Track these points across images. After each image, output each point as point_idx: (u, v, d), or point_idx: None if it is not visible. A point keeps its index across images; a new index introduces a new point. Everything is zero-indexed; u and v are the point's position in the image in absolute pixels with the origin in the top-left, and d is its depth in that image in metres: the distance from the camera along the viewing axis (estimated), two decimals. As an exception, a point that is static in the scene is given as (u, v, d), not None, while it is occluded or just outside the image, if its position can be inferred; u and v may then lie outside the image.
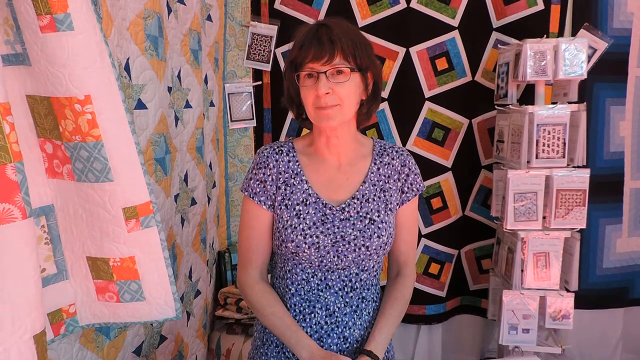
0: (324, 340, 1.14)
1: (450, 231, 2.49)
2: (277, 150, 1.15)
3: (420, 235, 2.47)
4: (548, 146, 2.04)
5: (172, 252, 1.69)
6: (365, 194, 1.13)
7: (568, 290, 2.11)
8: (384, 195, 1.15)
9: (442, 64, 2.39)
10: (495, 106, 2.32)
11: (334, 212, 1.11)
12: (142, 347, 1.44)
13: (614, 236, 2.54)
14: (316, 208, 1.10)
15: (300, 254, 1.09)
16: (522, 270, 2.11)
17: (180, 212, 1.79)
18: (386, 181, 1.16)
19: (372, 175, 1.15)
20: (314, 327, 1.14)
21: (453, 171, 2.46)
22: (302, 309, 1.14)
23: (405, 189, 1.17)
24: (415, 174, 1.19)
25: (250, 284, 1.14)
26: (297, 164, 1.14)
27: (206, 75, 2.14)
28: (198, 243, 1.99)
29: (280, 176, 1.13)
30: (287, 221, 1.10)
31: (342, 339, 1.15)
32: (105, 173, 0.84)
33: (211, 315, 2.30)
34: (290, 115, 2.46)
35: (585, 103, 2.03)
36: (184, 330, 1.86)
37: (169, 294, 0.96)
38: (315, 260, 1.10)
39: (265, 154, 1.14)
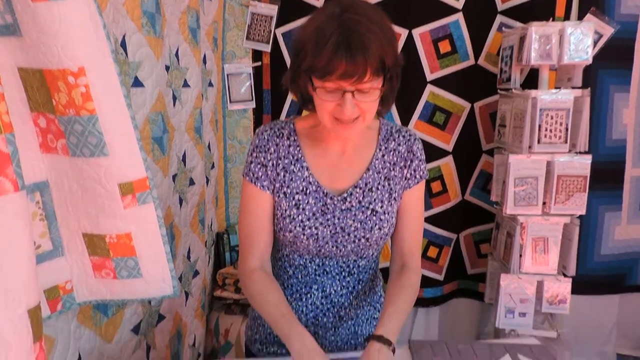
0: (320, 319, 1.15)
1: (449, 215, 2.49)
2: (277, 133, 1.07)
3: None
4: (550, 131, 2.03)
5: (171, 232, 1.68)
6: (369, 182, 1.07)
7: (565, 276, 2.12)
8: (388, 184, 1.08)
9: (445, 46, 2.36)
10: (498, 90, 2.29)
11: (335, 202, 1.05)
12: (141, 325, 1.44)
13: (613, 223, 2.54)
14: (316, 197, 1.05)
15: (298, 244, 1.07)
16: (520, 255, 2.11)
17: (178, 192, 1.78)
18: (391, 169, 1.09)
19: (376, 162, 1.08)
20: (310, 306, 1.14)
21: (453, 155, 2.45)
22: (298, 288, 1.14)
23: (408, 175, 1.10)
24: (420, 160, 1.11)
25: (249, 272, 1.08)
26: (298, 148, 1.07)
27: (205, 55, 2.11)
28: (196, 224, 1.98)
29: (280, 162, 1.06)
30: (285, 210, 1.05)
31: (337, 318, 1.15)
32: (100, 147, 0.83)
33: (209, 296, 2.30)
34: (290, 97, 2.43)
35: (589, 89, 2.01)
36: (183, 310, 1.86)
37: (166, 271, 0.96)
38: (313, 249, 1.08)
39: (265, 137, 1.07)
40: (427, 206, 2.47)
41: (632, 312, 2.66)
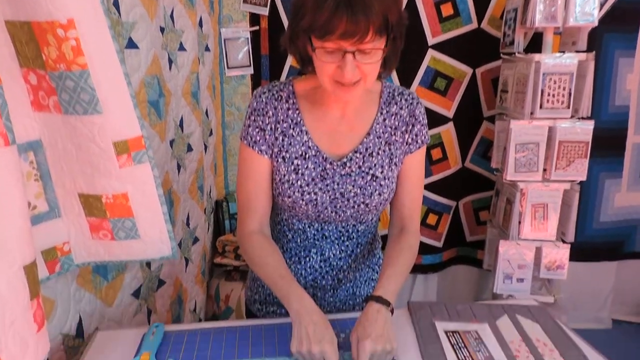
0: (319, 281, 1.15)
1: (449, 182, 2.48)
2: (275, 95, 1.04)
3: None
4: (553, 96, 1.99)
5: (169, 197, 1.67)
6: (369, 147, 1.04)
7: (564, 242, 2.12)
8: (389, 149, 1.06)
9: (447, 9, 2.30)
10: (501, 54, 2.25)
11: (335, 167, 1.03)
12: (141, 289, 1.44)
13: (613, 190, 2.54)
14: (316, 162, 1.03)
15: (297, 209, 1.05)
16: (519, 222, 2.12)
17: (176, 158, 1.76)
18: (392, 133, 1.06)
19: (377, 126, 1.05)
20: (309, 269, 1.14)
21: (454, 122, 2.42)
22: (297, 252, 1.14)
23: (410, 140, 1.07)
24: (422, 125, 1.08)
25: (248, 235, 1.07)
26: (297, 112, 1.04)
27: (201, 18, 2.05)
28: (195, 190, 1.97)
29: (278, 125, 1.03)
30: (284, 175, 1.03)
31: (336, 281, 1.15)
32: (93, 105, 0.81)
33: (210, 263, 2.32)
34: (289, 62, 2.38)
35: (593, 52, 1.97)
36: (183, 276, 1.87)
37: (164, 232, 0.95)
38: (312, 214, 1.06)
39: (263, 100, 1.04)
40: (427, 173, 2.45)
41: (629, 278, 2.69)
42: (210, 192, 2.32)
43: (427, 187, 2.47)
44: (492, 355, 0.92)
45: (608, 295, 2.68)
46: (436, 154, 2.45)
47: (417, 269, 2.56)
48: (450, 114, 2.41)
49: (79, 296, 1.13)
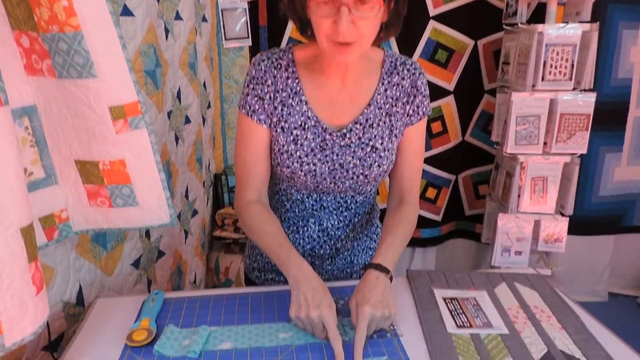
0: (316, 250, 1.15)
1: (448, 156, 2.47)
2: (275, 64, 1.02)
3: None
4: (555, 68, 1.97)
5: (168, 169, 1.66)
6: (370, 118, 1.03)
7: (563, 215, 2.13)
8: (390, 120, 1.04)
9: (449, -21, 2.25)
10: (504, 25, 2.21)
11: (334, 138, 1.02)
12: (140, 260, 1.45)
13: (613, 165, 2.53)
14: (315, 133, 1.01)
15: (296, 179, 1.05)
16: (518, 196, 2.12)
17: (174, 130, 1.74)
18: (393, 104, 1.04)
19: (378, 97, 1.03)
20: (307, 239, 1.14)
21: (455, 95, 2.40)
22: (295, 221, 1.13)
23: (411, 111, 1.05)
24: (424, 96, 1.05)
25: (246, 204, 1.06)
26: (297, 81, 1.02)
27: (198, -14, 2.01)
28: (194, 162, 1.96)
29: (277, 95, 1.01)
30: (283, 146, 1.02)
31: (334, 250, 1.16)
32: (87, 68, 0.79)
33: (209, 236, 2.32)
34: (288, 33, 2.34)
35: (597, 23, 1.93)
36: (183, 248, 1.88)
37: (162, 199, 0.94)
38: (311, 185, 1.05)
39: (262, 68, 1.01)
40: (427, 147, 2.43)
41: (626, 252, 2.71)
42: (209, 165, 2.31)
43: (427, 160, 2.46)
44: (490, 321, 0.93)
45: (605, 268, 2.70)
46: (436, 127, 2.44)
47: (416, 242, 2.57)
48: (450, 86, 2.38)
49: (78, 265, 1.13)
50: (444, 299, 1.01)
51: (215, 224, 2.29)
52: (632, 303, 2.72)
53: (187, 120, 1.88)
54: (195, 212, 2.02)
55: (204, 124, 2.14)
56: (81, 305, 1.14)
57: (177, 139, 1.78)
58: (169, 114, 1.69)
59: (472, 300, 1.00)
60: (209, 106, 2.26)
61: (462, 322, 0.93)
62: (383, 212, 1.19)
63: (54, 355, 1.02)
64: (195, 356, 0.83)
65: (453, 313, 0.96)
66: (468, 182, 2.56)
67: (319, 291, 0.89)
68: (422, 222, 2.53)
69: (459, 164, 2.51)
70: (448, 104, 2.41)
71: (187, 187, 1.91)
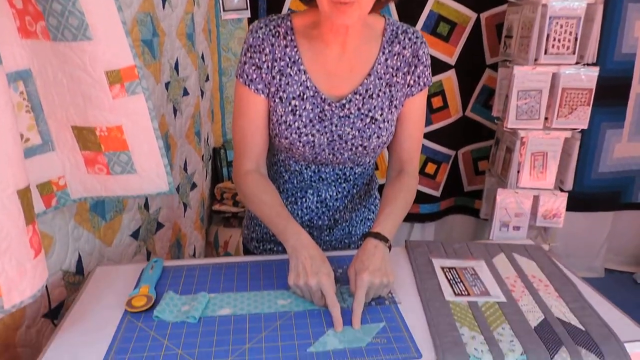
0: (315, 221, 1.15)
1: (448, 131, 2.46)
2: (273, 31, 0.99)
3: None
4: (559, 41, 1.94)
5: (166, 141, 1.65)
6: (370, 88, 1.01)
7: (562, 190, 2.13)
8: (390, 91, 1.02)
9: (452, -51, 2.20)
10: (507, -3, 2.17)
11: (333, 109, 1.00)
12: (140, 231, 1.45)
13: (614, 141, 2.52)
14: (314, 103, 1.00)
15: (294, 150, 1.04)
16: (518, 171, 2.11)
17: (172, 102, 1.72)
18: (394, 74, 1.02)
19: (378, 67, 1.01)
20: (305, 210, 1.14)
21: (456, 69, 2.37)
22: (294, 192, 1.13)
23: (412, 82, 1.03)
24: (425, 66, 1.03)
25: (244, 174, 1.06)
26: (295, 49, 0.99)
27: (195, -45, 1.96)
28: (192, 135, 1.95)
29: (275, 64, 0.99)
30: (281, 116, 1.00)
31: (332, 221, 1.16)
32: (82, 30, 0.77)
33: (208, 210, 2.33)
34: (287, 4, 2.30)
35: (603, -5, 1.90)
36: (182, 221, 1.88)
37: (161, 167, 0.93)
38: (309, 156, 1.05)
39: (260, 36, 0.99)
40: (427, 122, 2.41)
41: (624, 229, 2.72)
42: (207, 139, 2.30)
43: (427, 136, 2.45)
44: (487, 290, 0.93)
45: (602, 245, 2.72)
46: (437, 102, 2.41)
47: (415, 217, 2.58)
48: (452, 60, 2.35)
49: (77, 234, 1.13)
50: (442, 269, 1.01)
51: (214, 198, 2.29)
52: (629, 279, 2.75)
53: (186, 93, 1.86)
54: (194, 186, 2.02)
55: (202, 97, 2.12)
56: (81, 274, 1.14)
57: (175, 111, 1.76)
58: (167, 85, 1.67)
59: (470, 270, 1.01)
60: (207, 79, 2.23)
61: (460, 290, 0.93)
62: (382, 187, 1.19)
63: (54, 323, 1.03)
64: (194, 321, 0.84)
65: (451, 282, 0.96)
66: (468, 157, 2.56)
67: (317, 259, 0.89)
68: (421, 197, 2.53)
69: (459, 139, 2.50)
70: (449, 79, 2.38)
71: (185, 160, 1.90)
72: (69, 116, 0.88)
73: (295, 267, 0.89)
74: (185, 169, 1.90)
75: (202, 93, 2.13)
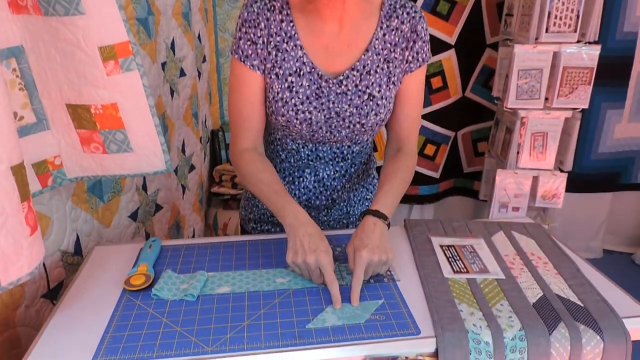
0: (312, 201, 1.14)
1: (448, 112, 2.44)
2: (268, 6, 0.97)
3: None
4: (560, 19, 1.91)
5: (163, 122, 1.64)
6: (367, 64, 0.99)
7: (562, 171, 2.12)
8: (388, 67, 1.01)
9: None
10: (508, -25, 2.13)
11: (330, 85, 0.99)
12: (138, 212, 1.45)
13: (614, 121, 2.50)
14: (310, 80, 0.98)
15: (291, 128, 1.02)
16: (517, 152, 2.10)
17: (169, 82, 1.71)
18: (392, 50, 1.00)
19: (376, 42, 0.99)
20: (303, 190, 1.13)
21: (456, 49, 2.34)
22: (291, 172, 1.12)
23: (410, 58, 1.02)
24: (424, 42, 1.02)
25: (241, 153, 1.05)
26: (292, 24, 0.98)
27: None
28: (190, 117, 1.94)
29: (271, 39, 0.98)
30: (277, 93, 0.99)
31: (330, 201, 1.15)
32: (74, 4, 0.75)
33: (207, 192, 2.32)
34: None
35: (605, -29, 1.86)
36: (180, 203, 1.88)
37: (157, 145, 0.92)
38: (306, 134, 1.03)
39: (255, 10, 0.97)
40: (426, 103, 2.41)
41: (623, 209, 2.72)
42: (205, 121, 2.28)
43: (426, 117, 2.43)
44: (486, 267, 0.93)
45: (601, 226, 2.72)
46: (436, 82, 2.39)
47: (414, 199, 2.57)
48: (452, 40, 2.32)
49: (75, 215, 1.13)
50: (441, 246, 1.01)
51: (213, 181, 2.29)
52: (627, 260, 2.76)
53: (182, 73, 1.84)
54: (192, 168, 2.01)
55: (199, 78, 2.10)
56: (79, 255, 1.14)
57: (172, 92, 1.75)
58: (163, 65, 1.65)
59: (469, 248, 1.01)
60: (204, 60, 2.21)
61: (459, 267, 0.93)
62: (380, 169, 1.18)
63: (54, 303, 1.03)
64: (193, 299, 0.84)
65: (450, 259, 0.96)
66: (467, 139, 2.54)
67: (315, 237, 0.89)
68: (420, 179, 2.52)
69: (458, 120, 2.49)
70: (449, 59, 2.35)
71: (183, 142, 1.89)
72: (63, 94, 0.87)
73: (293, 245, 0.89)
74: (183, 150, 1.89)
75: (200, 74, 2.11)
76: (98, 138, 0.91)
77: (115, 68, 0.84)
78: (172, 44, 1.74)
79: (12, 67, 0.84)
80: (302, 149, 1.08)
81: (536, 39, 1.94)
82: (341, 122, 1.02)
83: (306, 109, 0.99)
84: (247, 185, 1.05)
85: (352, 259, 0.89)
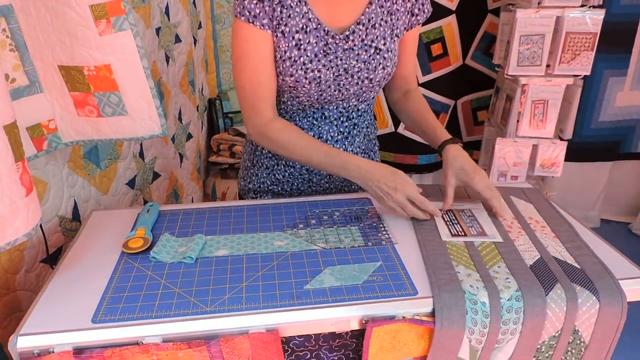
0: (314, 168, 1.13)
1: (448, 80, 2.41)
2: None
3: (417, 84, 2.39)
4: (564, -18, 1.87)
5: (159, 89, 1.61)
6: (372, 17, 1.00)
7: (562, 139, 2.11)
8: (391, 19, 1.02)
9: None
10: (512, -64, 2.07)
11: (337, 41, 0.98)
12: (135, 180, 1.44)
13: (616, 89, 2.48)
14: (317, 36, 0.97)
15: (299, 88, 1.00)
16: (517, 120, 2.09)
17: (164, 48, 1.67)
18: (394, 1, 1.02)
19: None
20: None
21: (457, 15, 2.29)
22: None
23: (416, 10, 1.04)
24: None
25: (266, 124, 1.01)
26: None
27: None
28: (186, 85, 1.91)
29: None
30: (285, 52, 0.97)
31: (332, 166, 1.14)
32: (63, -41, 0.73)
33: (205, 162, 2.31)
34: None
35: None
36: (178, 171, 1.87)
37: (152, 108, 0.91)
38: (315, 93, 1.02)
39: None
40: (426, 70, 2.38)
41: (622, 179, 2.72)
42: (202, 89, 2.25)
43: (426, 85, 2.40)
44: (484, 231, 0.93)
45: (599, 195, 2.73)
46: (436, 49, 2.35)
47: (413, 168, 2.57)
48: (453, 5, 2.27)
49: (72, 181, 1.12)
50: (440, 211, 1.01)
51: (211, 150, 2.28)
52: (625, 229, 2.78)
53: (177, 40, 1.81)
54: (189, 136, 1.99)
55: (195, 45, 2.06)
56: (77, 221, 1.14)
57: (167, 58, 1.71)
58: (158, 30, 1.61)
59: (467, 212, 1.01)
60: (200, 26, 2.16)
61: (457, 231, 0.93)
62: (380, 139, 1.19)
63: (53, 267, 1.03)
64: (191, 262, 0.84)
65: (448, 223, 0.96)
66: (467, 107, 2.52)
67: (387, 177, 0.95)
68: (419, 148, 2.51)
69: (458, 88, 2.45)
70: (449, 25, 2.31)
71: (180, 110, 1.86)
72: (55, 55, 0.85)
73: (375, 194, 0.96)
74: (180, 119, 1.87)
75: (195, 41, 2.07)
76: (92, 101, 0.89)
77: (107, 27, 0.81)
78: (167, 8, 1.70)
79: (1, 27, 0.81)
80: (307, 109, 1.07)
81: (539, 3, 1.90)
82: (350, 79, 1.02)
83: (315, 67, 0.98)
84: (287, 154, 1.04)
85: (450, 193, 0.99)
